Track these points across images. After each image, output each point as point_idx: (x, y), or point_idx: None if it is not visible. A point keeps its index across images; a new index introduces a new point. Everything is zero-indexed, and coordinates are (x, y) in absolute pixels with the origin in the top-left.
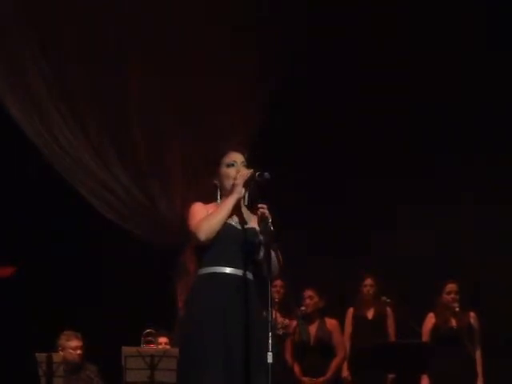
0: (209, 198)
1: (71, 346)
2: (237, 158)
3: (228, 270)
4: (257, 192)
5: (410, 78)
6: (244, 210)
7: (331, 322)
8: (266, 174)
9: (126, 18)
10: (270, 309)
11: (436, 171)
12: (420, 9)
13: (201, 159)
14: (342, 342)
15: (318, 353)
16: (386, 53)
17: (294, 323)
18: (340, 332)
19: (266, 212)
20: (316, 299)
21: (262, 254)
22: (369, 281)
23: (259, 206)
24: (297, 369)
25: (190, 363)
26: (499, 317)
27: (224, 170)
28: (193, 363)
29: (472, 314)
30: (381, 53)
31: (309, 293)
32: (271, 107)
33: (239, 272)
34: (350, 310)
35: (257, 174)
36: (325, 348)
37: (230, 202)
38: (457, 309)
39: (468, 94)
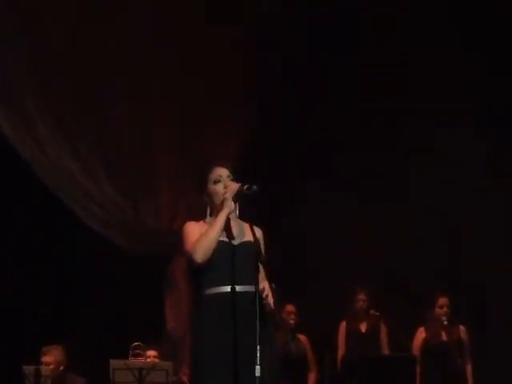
0: (197, 211)
1: (43, 360)
2: (222, 172)
3: (229, 288)
4: (246, 204)
5: (410, 78)
6: (235, 222)
7: (303, 338)
8: (254, 186)
9: (116, 29)
10: (257, 322)
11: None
12: (420, 9)
13: (189, 172)
14: (314, 357)
15: (299, 367)
16: (386, 53)
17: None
18: (311, 347)
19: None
20: (296, 315)
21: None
22: (362, 295)
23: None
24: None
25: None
26: None
27: (211, 186)
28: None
29: (462, 328)
30: (381, 53)
31: (292, 308)
32: (268, 108)
33: (241, 288)
34: (343, 324)
35: (245, 187)
36: (303, 362)
37: (221, 219)
38: (445, 322)
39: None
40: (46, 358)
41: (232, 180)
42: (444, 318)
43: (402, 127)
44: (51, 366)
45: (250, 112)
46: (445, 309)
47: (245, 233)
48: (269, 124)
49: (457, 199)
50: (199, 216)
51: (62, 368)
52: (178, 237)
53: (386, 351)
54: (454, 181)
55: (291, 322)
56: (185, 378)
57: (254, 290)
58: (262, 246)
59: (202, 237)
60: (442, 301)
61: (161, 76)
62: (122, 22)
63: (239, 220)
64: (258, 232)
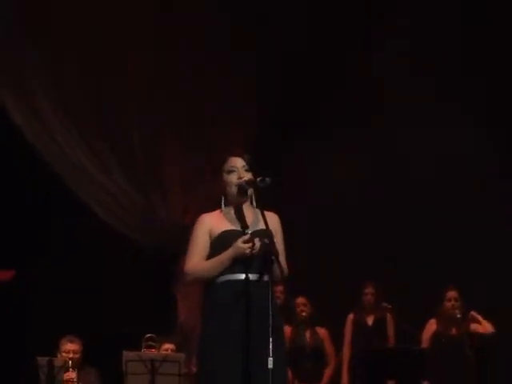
0: (208, 203)
1: (62, 349)
2: (237, 162)
3: (242, 275)
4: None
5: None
6: (251, 211)
7: (322, 331)
8: (267, 179)
9: (127, 24)
10: (270, 313)
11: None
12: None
13: (200, 165)
14: (333, 350)
15: (313, 360)
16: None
17: (289, 329)
18: (330, 341)
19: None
20: (309, 306)
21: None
22: (370, 289)
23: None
24: (290, 374)
25: (209, 373)
26: None
27: (225, 176)
28: (212, 374)
29: (473, 324)
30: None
31: (302, 300)
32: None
33: (252, 276)
34: (350, 317)
35: (258, 179)
36: (319, 355)
37: (225, 259)
38: (458, 315)
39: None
40: (67, 346)
41: (247, 170)
42: (457, 311)
43: (402, 127)
44: (71, 355)
45: (253, 107)
46: (452, 302)
47: (260, 221)
48: (269, 122)
49: (457, 196)
50: (211, 207)
51: (79, 358)
52: (189, 231)
53: (392, 344)
54: (455, 179)
55: (303, 314)
56: (195, 369)
57: (267, 279)
58: (280, 233)
59: (204, 265)
60: (451, 294)
61: (172, 72)
62: (131, 23)
63: (255, 208)
64: (274, 218)
